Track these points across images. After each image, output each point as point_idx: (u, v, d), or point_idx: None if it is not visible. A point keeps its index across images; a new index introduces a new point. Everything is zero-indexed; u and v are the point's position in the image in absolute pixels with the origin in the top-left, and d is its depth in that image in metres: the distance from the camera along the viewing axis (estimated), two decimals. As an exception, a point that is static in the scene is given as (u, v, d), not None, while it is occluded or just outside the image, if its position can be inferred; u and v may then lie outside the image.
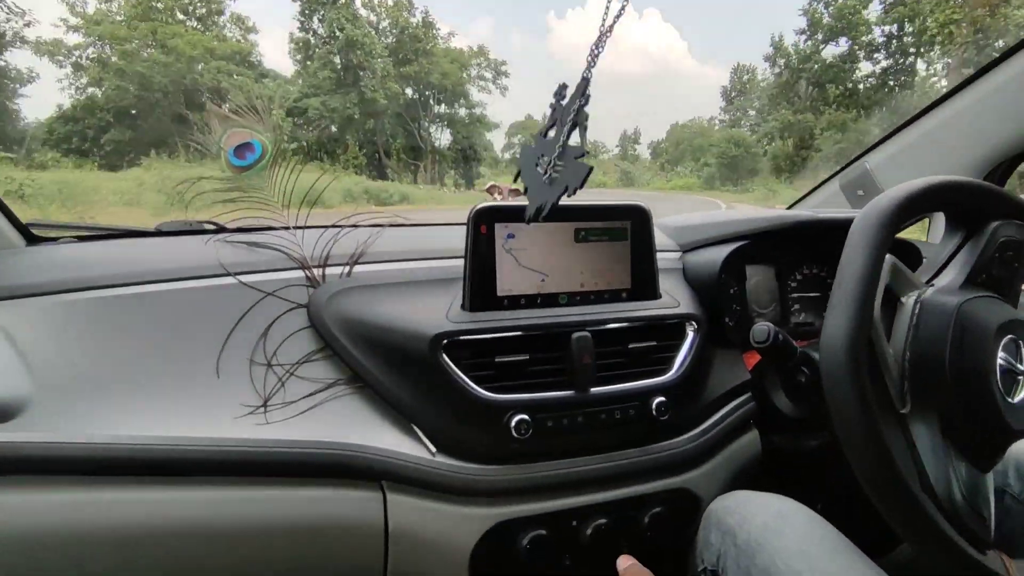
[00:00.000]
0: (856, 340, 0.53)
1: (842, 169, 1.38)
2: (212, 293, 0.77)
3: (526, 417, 0.72)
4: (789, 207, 1.57)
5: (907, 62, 23.19)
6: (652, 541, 0.81)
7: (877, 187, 1.23)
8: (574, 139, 0.65)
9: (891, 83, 23.41)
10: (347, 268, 0.83)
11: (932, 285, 0.65)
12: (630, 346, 0.80)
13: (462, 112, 29.07)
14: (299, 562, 0.70)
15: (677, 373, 0.81)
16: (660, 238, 1.04)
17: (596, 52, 0.66)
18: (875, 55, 23.84)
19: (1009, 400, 0.58)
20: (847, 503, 0.92)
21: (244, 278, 0.78)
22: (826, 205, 1.43)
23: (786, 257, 1.04)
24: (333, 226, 0.88)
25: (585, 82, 0.68)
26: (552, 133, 0.67)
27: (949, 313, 0.58)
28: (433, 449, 0.73)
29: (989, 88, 1.03)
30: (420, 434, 0.74)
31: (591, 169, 0.67)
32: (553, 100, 0.68)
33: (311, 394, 0.74)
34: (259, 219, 0.87)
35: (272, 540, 0.69)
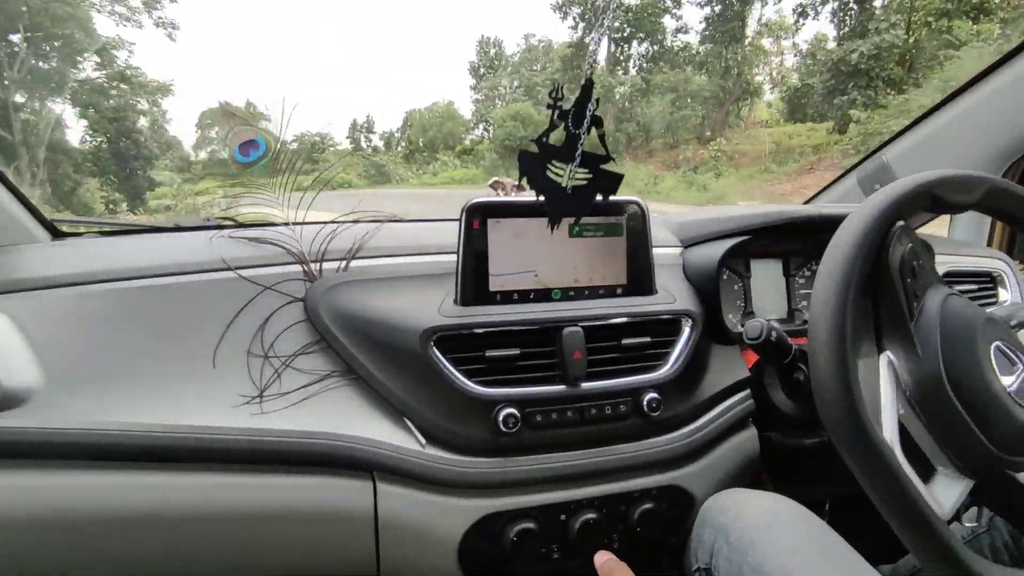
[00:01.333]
0: (838, 336, 0.52)
1: (861, 162, 1.34)
2: (214, 287, 0.80)
3: (514, 411, 0.73)
4: (806, 202, 1.53)
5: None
6: (642, 537, 0.80)
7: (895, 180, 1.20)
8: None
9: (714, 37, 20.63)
10: (344, 263, 0.84)
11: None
12: (624, 342, 0.80)
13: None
14: (292, 548, 0.72)
15: (671, 370, 0.81)
16: (662, 234, 1.03)
17: (594, 51, 0.67)
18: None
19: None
20: (851, 506, 0.90)
21: (244, 272, 0.81)
22: (844, 200, 1.39)
23: (793, 253, 1.02)
24: (332, 222, 0.90)
25: (590, 83, 0.71)
26: (551, 137, 0.70)
27: (935, 309, 0.57)
28: (423, 441, 0.74)
29: (1011, 78, 0.99)
30: (411, 426, 0.75)
31: (622, 176, 0.75)
32: (550, 101, 0.69)
33: (305, 385, 0.76)
34: (264, 215, 0.90)
35: (266, 526, 0.71)
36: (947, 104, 1.10)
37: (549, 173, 0.71)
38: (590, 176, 0.72)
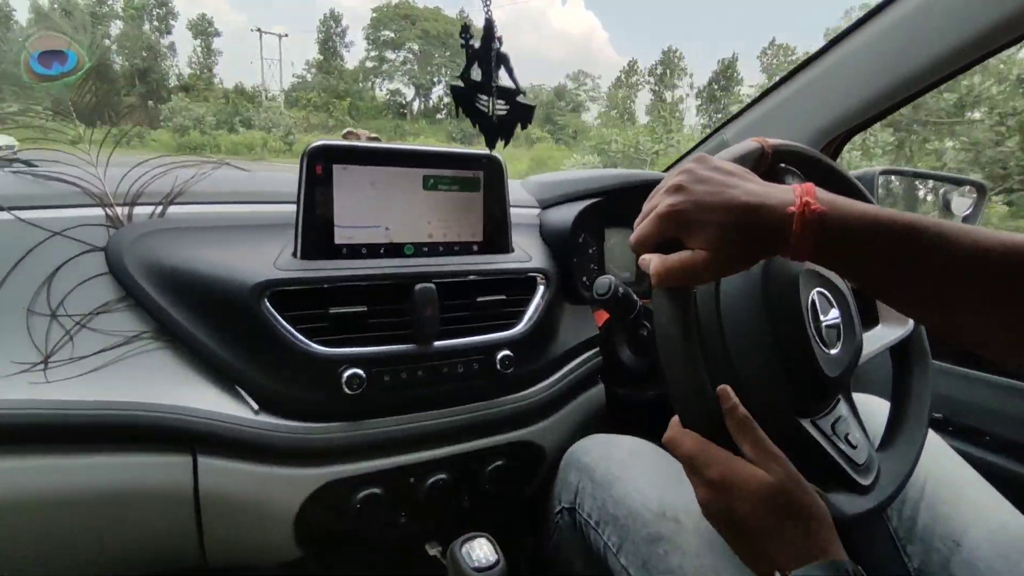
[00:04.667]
0: (698, 385, 0.49)
1: (706, 139, 1.44)
2: None
3: (359, 371, 0.68)
4: (665, 170, 1.62)
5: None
6: (492, 493, 0.80)
7: None
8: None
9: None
10: (159, 208, 0.73)
11: None
12: (478, 299, 0.78)
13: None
14: (107, 533, 0.63)
15: (524, 327, 0.80)
16: (521, 194, 1.03)
17: None
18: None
19: (825, 350, 0.60)
20: None
21: (26, 215, 0.66)
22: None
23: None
24: (147, 161, 0.76)
25: (490, 23, 0.74)
26: (475, 73, 0.76)
27: (752, 278, 0.60)
28: (256, 407, 0.67)
29: (829, 64, 1.10)
30: (242, 392, 0.67)
31: (535, 107, 0.81)
32: (462, 40, 0.74)
33: (106, 349, 0.64)
34: (55, 151, 0.74)
35: (66, 512, 0.60)
36: (778, 87, 1.21)
37: (477, 105, 0.75)
38: (508, 107, 0.77)
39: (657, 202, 0.46)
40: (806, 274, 0.62)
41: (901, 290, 0.44)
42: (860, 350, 0.66)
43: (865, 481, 0.61)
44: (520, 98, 0.78)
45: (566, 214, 0.92)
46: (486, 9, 0.72)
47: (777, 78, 1.22)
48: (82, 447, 0.60)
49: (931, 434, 0.77)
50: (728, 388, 0.50)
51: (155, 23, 34.57)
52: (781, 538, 0.44)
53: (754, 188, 0.44)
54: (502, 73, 0.76)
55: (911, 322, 0.77)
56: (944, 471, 0.72)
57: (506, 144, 0.80)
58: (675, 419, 0.50)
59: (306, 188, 0.70)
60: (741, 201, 0.43)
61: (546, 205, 1.01)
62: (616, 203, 1.00)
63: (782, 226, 0.42)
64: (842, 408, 0.65)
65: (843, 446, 0.62)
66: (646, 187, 0.97)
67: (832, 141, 1.14)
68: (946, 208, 1.32)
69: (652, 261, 0.47)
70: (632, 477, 0.67)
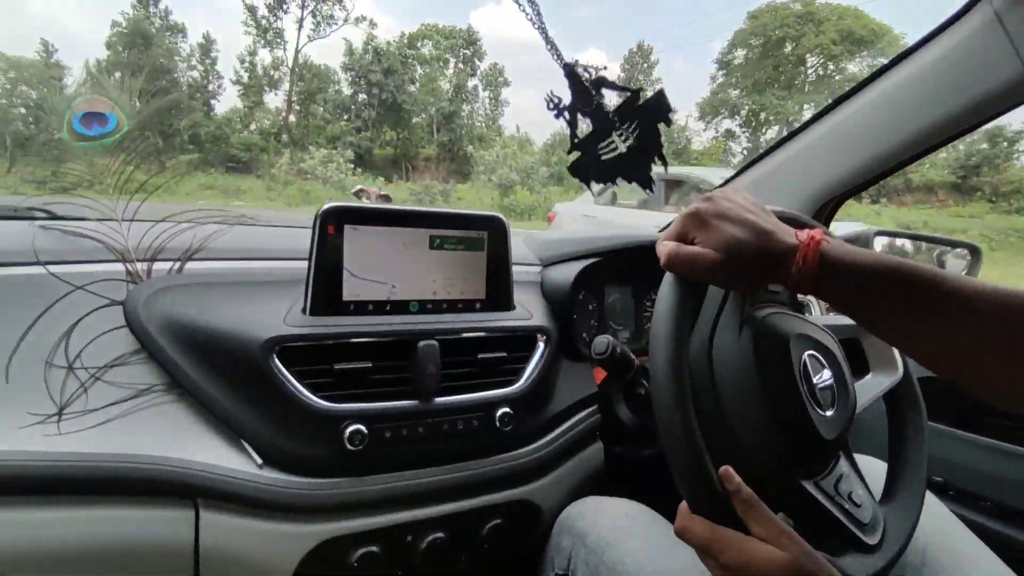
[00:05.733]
0: (675, 353, 0.52)
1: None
2: (10, 283, 0.68)
3: (361, 427, 0.69)
4: (661, 230, 1.66)
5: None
6: (490, 554, 0.80)
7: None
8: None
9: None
10: (178, 264, 0.76)
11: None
12: (479, 356, 0.80)
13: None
14: None
15: (524, 384, 0.82)
16: (524, 252, 1.06)
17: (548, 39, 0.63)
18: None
19: (821, 412, 0.61)
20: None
21: (54, 268, 0.70)
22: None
23: (643, 277, 1.10)
24: (167, 219, 0.80)
25: (569, 68, 0.62)
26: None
27: (744, 344, 0.61)
28: (259, 461, 0.68)
29: (829, 127, 1.15)
30: (246, 446, 0.69)
31: (662, 93, 0.64)
32: (553, 112, 0.63)
33: (118, 401, 0.66)
34: (86, 207, 0.78)
35: (66, 567, 0.61)
36: (772, 152, 1.25)
37: (603, 159, 0.65)
38: (635, 122, 0.65)
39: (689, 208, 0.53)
40: (797, 337, 0.63)
41: (896, 327, 0.49)
42: (855, 408, 0.67)
43: (872, 540, 0.61)
44: (642, 99, 0.65)
45: (567, 273, 0.95)
46: (557, 59, 0.62)
47: (763, 148, 1.27)
48: (84, 499, 0.61)
49: (932, 498, 0.77)
50: (730, 469, 0.51)
51: (460, 64, 31.90)
52: None
53: (769, 219, 0.51)
54: (609, 93, 0.65)
55: (900, 369, 0.77)
56: (944, 537, 0.71)
57: (666, 166, 0.67)
58: (683, 506, 0.51)
59: (318, 248, 0.73)
60: (756, 224, 0.50)
61: (547, 263, 1.04)
62: (616, 262, 1.03)
63: (787, 256, 0.48)
64: (843, 466, 0.66)
65: (847, 505, 0.62)
66: (645, 248, 1.00)
67: (824, 206, 1.18)
68: (941, 268, 1.34)
69: (668, 245, 0.52)
70: (625, 542, 0.66)
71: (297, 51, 29.10)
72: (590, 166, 0.65)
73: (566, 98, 0.63)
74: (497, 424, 0.78)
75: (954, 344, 0.47)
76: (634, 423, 0.89)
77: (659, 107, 0.65)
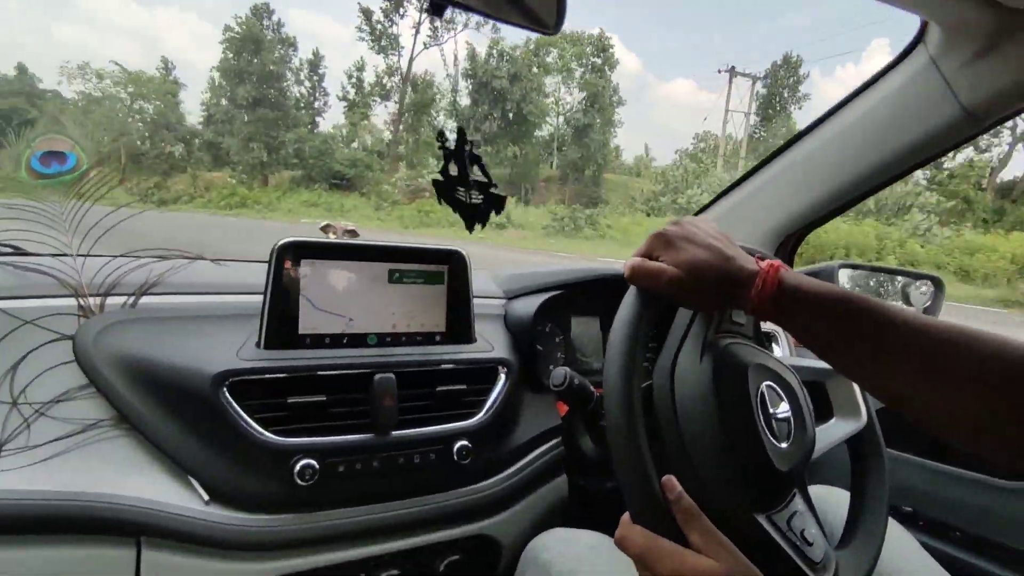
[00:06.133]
0: (628, 360, 0.52)
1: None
2: None
3: (312, 462, 0.68)
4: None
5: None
6: None
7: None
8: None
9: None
10: (131, 299, 0.76)
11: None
12: (438, 389, 0.80)
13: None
14: None
15: (484, 417, 0.81)
16: (489, 285, 1.07)
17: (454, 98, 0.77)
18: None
19: (776, 444, 0.61)
20: None
21: (4, 304, 0.69)
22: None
23: (609, 309, 1.10)
24: (127, 255, 0.81)
25: (461, 130, 0.85)
26: (452, 169, 0.85)
27: (704, 372, 0.61)
28: (206, 498, 0.67)
29: (785, 164, 1.18)
30: (193, 482, 0.67)
31: (506, 197, 0.88)
32: (439, 143, 0.83)
33: (63, 437, 0.65)
34: (40, 242, 0.78)
35: None
36: (736, 187, 1.29)
37: (457, 196, 0.84)
38: (482, 198, 0.85)
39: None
40: (756, 368, 0.63)
41: (847, 356, 0.51)
42: (812, 445, 0.67)
43: None
44: (493, 190, 0.87)
45: (529, 305, 0.96)
46: (459, 119, 0.81)
47: (728, 183, 1.30)
48: (18, 540, 0.59)
49: (899, 529, 0.77)
50: (672, 478, 0.51)
51: (588, 73, 27.64)
52: None
53: (732, 247, 0.54)
54: (476, 170, 0.85)
55: (864, 416, 0.78)
56: (910, 570, 0.71)
57: (483, 227, 0.88)
58: (625, 516, 0.51)
59: (273, 282, 0.74)
60: (719, 248, 0.52)
61: (511, 296, 1.04)
62: (581, 295, 1.04)
63: (748, 281, 0.51)
64: (798, 503, 0.65)
65: (799, 543, 0.61)
66: (609, 281, 1.01)
67: (786, 240, 1.21)
68: (906, 301, 1.37)
69: (633, 260, 0.55)
70: (592, 575, 0.65)
71: (412, 59, 26.99)
72: (446, 190, 0.82)
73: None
74: (455, 457, 0.77)
75: (901, 376, 0.48)
76: (597, 455, 0.89)
77: (499, 203, 0.85)
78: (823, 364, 0.76)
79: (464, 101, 26.34)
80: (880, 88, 0.98)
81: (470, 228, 0.87)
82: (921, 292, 1.40)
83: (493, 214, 0.88)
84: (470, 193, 0.86)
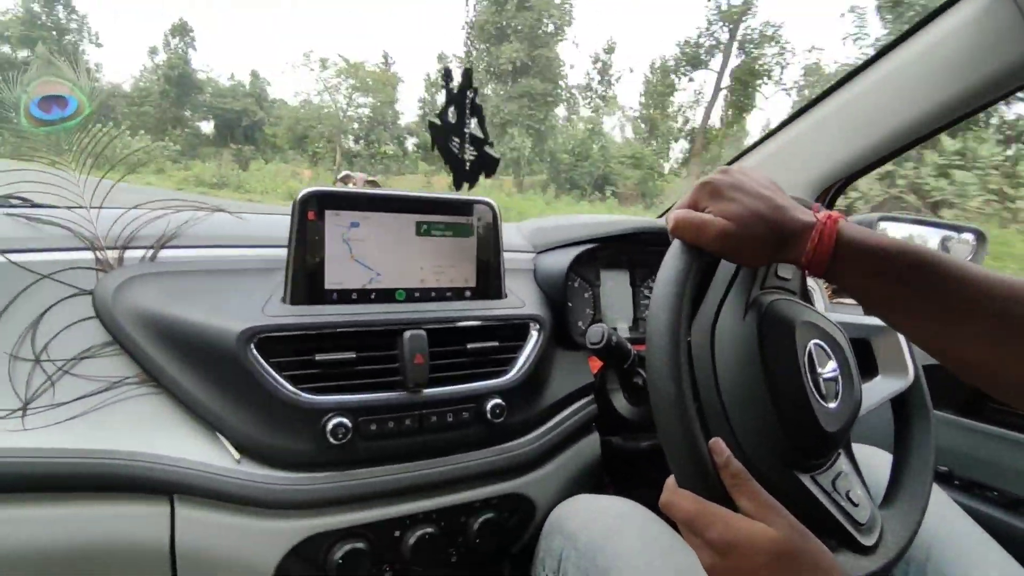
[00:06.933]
0: (674, 320, 0.49)
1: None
2: None
3: (345, 420, 0.66)
4: (659, 216, 1.63)
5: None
6: (481, 549, 0.77)
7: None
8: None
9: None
10: (151, 252, 0.73)
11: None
12: (469, 346, 0.77)
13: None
14: None
15: (517, 375, 0.79)
16: (516, 238, 1.02)
17: (470, 44, 0.72)
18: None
19: (824, 404, 0.58)
20: None
21: (17, 257, 0.66)
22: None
23: (639, 265, 1.06)
24: (141, 206, 0.77)
25: (468, 72, 0.81)
26: (451, 115, 0.82)
27: (748, 329, 0.58)
28: (237, 456, 0.65)
29: (833, 108, 1.11)
30: (223, 440, 0.66)
31: (499, 159, 0.85)
32: (443, 83, 0.80)
33: (88, 395, 0.63)
34: (51, 192, 0.75)
35: (33, 567, 0.58)
36: (772, 136, 1.22)
37: (450, 145, 0.81)
38: (475, 155, 0.82)
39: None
40: (803, 325, 0.60)
41: (908, 314, 0.47)
42: (859, 404, 0.64)
43: (868, 541, 0.58)
44: (487, 149, 0.83)
45: (561, 259, 0.92)
46: (468, 59, 0.76)
47: (764, 132, 1.23)
48: (54, 497, 0.58)
49: (937, 490, 0.74)
50: (720, 441, 0.49)
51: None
52: None
53: (784, 197, 0.50)
54: (474, 123, 0.83)
55: (911, 374, 0.75)
56: (950, 531, 0.69)
57: (471, 187, 0.85)
58: (670, 480, 0.49)
59: (297, 234, 0.70)
60: (771, 198, 0.48)
61: (540, 250, 1.00)
62: (612, 249, 0.99)
63: (802, 233, 0.47)
64: (843, 463, 0.63)
65: (844, 504, 0.59)
66: (643, 234, 0.97)
67: (827, 191, 1.15)
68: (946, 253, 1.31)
69: (678, 212, 0.50)
70: (618, 545, 0.63)
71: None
72: (440, 137, 0.82)
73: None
74: (488, 416, 0.75)
75: (970, 338, 0.45)
76: (631, 414, 0.86)
77: (490, 164, 0.84)
78: (868, 319, 0.72)
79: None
80: (939, 25, 0.90)
81: (457, 185, 0.84)
82: (963, 244, 1.34)
83: (483, 176, 0.84)
84: (464, 146, 0.82)
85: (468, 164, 0.83)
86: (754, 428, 0.57)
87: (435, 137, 0.79)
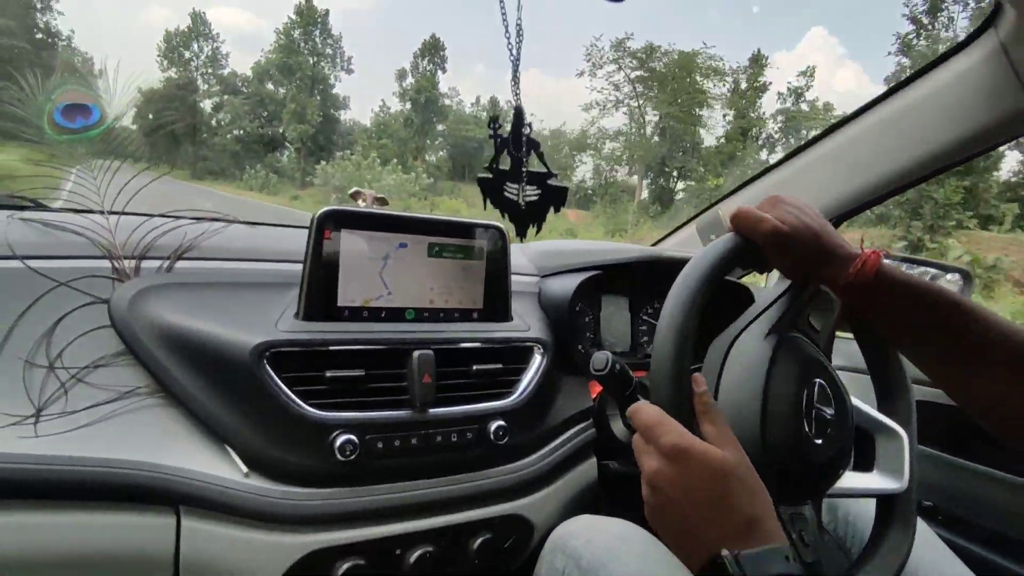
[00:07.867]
0: (678, 369, 0.51)
1: (699, 214, 1.48)
2: None
3: (352, 437, 0.67)
4: (653, 244, 1.65)
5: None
6: (480, 569, 0.78)
7: (726, 232, 1.32)
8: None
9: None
10: (167, 262, 0.74)
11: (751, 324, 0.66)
12: (475, 367, 0.79)
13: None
14: None
15: (520, 397, 0.80)
16: (521, 261, 1.04)
17: (516, 80, 0.76)
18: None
19: (811, 436, 0.58)
20: None
21: (35, 264, 0.67)
22: (684, 245, 1.52)
23: (639, 291, 1.09)
24: (160, 215, 0.78)
25: (519, 110, 0.78)
26: (504, 162, 0.78)
27: (764, 348, 0.59)
28: (245, 469, 0.66)
29: (831, 148, 1.14)
30: (232, 452, 0.66)
31: (567, 188, 0.82)
32: (490, 131, 0.77)
33: (100, 403, 0.64)
34: (70, 200, 0.76)
35: (41, 574, 0.58)
36: (776, 168, 1.25)
37: (506, 194, 0.77)
38: (539, 192, 0.80)
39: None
40: (818, 364, 0.61)
41: (931, 347, 0.54)
42: (846, 455, 0.64)
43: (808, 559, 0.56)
44: (552, 181, 0.81)
45: (567, 285, 0.94)
46: (515, 96, 0.76)
47: (773, 161, 1.26)
48: (61, 505, 0.58)
49: (923, 526, 0.75)
50: (701, 376, 0.53)
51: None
52: (726, 517, 0.44)
53: (834, 232, 0.57)
54: (533, 159, 0.80)
55: (906, 479, 0.69)
56: (931, 566, 0.70)
57: (538, 230, 0.82)
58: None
59: (313, 252, 0.71)
60: (826, 226, 0.56)
61: (546, 274, 1.02)
62: (614, 275, 1.02)
63: (844, 260, 0.54)
64: (806, 511, 0.60)
65: (794, 536, 0.56)
66: (644, 263, 0.99)
67: (832, 221, 1.18)
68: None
69: (742, 206, 0.56)
70: (621, 566, 0.64)
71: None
72: (493, 190, 0.76)
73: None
74: (491, 437, 0.76)
75: (987, 378, 0.50)
76: (629, 439, 0.88)
77: (558, 196, 0.80)
78: (878, 415, 0.71)
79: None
80: (940, 73, 0.94)
81: (521, 234, 0.80)
82: (951, 285, 1.38)
83: (552, 211, 0.81)
84: (523, 189, 0.78)
85: (530, 205, 0.79)
86: (736, 435, 0.57)
87: (487, 192, 0.76)
